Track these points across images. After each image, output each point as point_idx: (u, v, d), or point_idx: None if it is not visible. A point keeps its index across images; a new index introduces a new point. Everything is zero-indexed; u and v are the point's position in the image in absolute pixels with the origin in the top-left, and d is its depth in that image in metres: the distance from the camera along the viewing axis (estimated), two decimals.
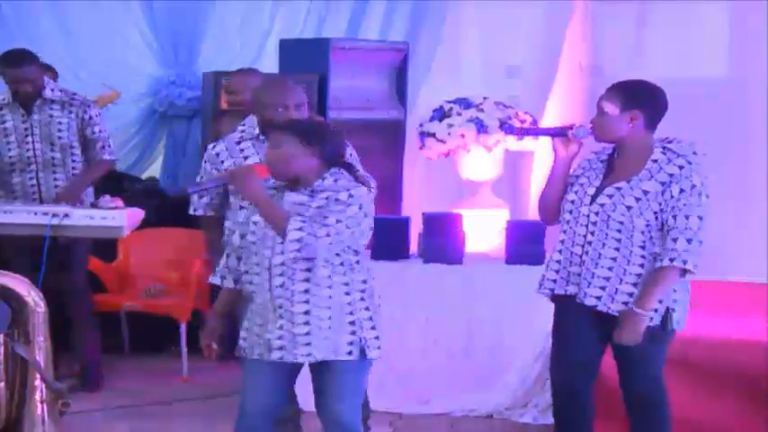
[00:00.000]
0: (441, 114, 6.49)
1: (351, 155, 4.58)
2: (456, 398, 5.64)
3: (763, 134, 6.48)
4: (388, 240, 5.75)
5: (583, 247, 4.04)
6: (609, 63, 6.95)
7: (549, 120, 6.67)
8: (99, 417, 5.51)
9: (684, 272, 3.95)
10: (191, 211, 4.73)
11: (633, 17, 6.96)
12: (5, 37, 6.69)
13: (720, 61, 6.79)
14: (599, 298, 4.02)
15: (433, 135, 6.42)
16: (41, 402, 3.95)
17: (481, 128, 6.32)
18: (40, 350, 3.94)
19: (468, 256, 5.87)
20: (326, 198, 3.76)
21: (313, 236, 3.70)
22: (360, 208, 3.79)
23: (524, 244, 5.78)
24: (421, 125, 6.58)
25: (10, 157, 5.74)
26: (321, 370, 3.87)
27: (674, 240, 3.93)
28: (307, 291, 3.77)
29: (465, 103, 6.50)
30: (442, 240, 5.80)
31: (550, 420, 5.36)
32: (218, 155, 4.58)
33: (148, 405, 5.72)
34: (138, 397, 5.83)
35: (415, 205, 6.64)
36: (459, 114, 6.42)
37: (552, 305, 4.24)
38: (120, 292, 6.54)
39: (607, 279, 4.01)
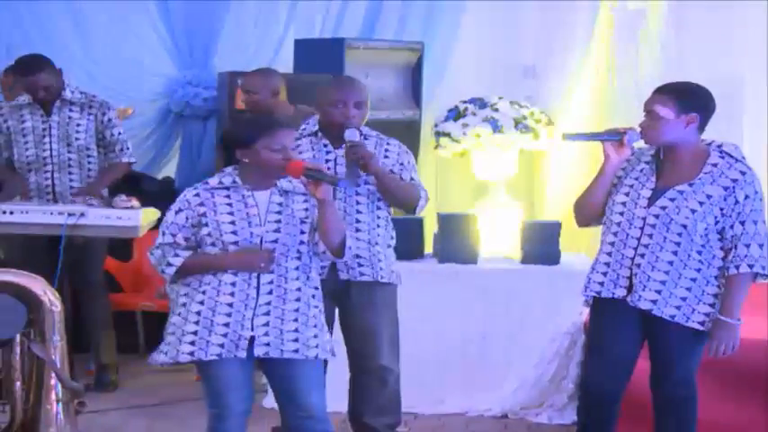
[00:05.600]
0: (455, 114, 6.48)
1: (409, 162, 4.66)
2: (471, 397, 5.64)
3: (764, 134, 6.47)
4: (403, 240, 5.73)
5: (636, 249, 4.01)
6: (623, 63, 6.92)
7: (566, 121, 6.65)
8: (114, 416, 5.53)
9: (756, 276, 3.99)
10: None
11: (651, 17, 6.93)
12: (22, 37, 6.71)
13: (722, 61, 6.75)
14: (654, 302, 4.00)
15: (448, 135, 6.42)
16: (57, 401, 3.97)
17: (496, 128, 6.31)
18: (56, 349, 3.96)
19: (482, 256, 5.87)
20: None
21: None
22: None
23: (539, 244, 5.78)
24: (436, 125, 6.58)
25: (27, 156, 5.77)
26: (286, 365, 3.89)
27: (747, 246, 3.95)
28: (299, 289, 3.87)
29: (480, 103, 6.49)
30: (456, 240, 5.80)
31: (566, 420, 5.38)
32: None
33: (164, 404, 5.73)
34: (154, 396, 5.84)
35: (430, 205, 6.62)
36: (474, 114, 6.41)
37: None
38: (136, 292, 6.54)
39: (663, 283, 3.99)
